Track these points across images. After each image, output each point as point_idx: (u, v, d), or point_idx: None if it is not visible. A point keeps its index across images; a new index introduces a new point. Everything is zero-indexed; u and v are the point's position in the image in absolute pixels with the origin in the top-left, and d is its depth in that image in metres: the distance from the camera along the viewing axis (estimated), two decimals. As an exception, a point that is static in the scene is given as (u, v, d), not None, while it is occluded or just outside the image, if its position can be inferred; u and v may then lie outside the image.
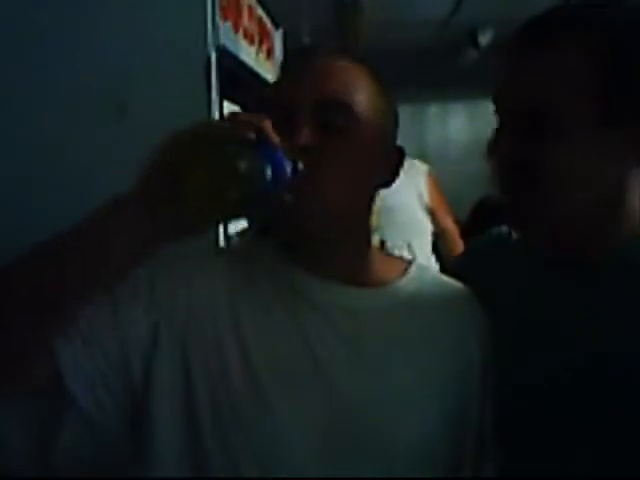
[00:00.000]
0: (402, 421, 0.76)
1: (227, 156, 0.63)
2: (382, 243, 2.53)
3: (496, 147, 0.80)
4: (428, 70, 4.95)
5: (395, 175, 0.83)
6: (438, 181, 2.74)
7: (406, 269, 0.86)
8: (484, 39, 4.69)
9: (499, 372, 0.83)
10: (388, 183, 0.83)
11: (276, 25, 2.19)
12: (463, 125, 6.15)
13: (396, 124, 0.84)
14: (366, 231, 0.84)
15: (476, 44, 4.77)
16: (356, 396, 0.74)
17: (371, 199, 0.82)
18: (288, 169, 0.69)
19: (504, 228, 0.95)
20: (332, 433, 0.73)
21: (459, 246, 2.55)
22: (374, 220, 1.29)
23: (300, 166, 0.71)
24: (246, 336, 0.74)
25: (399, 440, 0.75)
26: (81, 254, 0.66)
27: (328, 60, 0.79)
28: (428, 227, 2.67)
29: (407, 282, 0.84)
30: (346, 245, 0.80)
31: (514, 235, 0.92)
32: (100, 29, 1.38)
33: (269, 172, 0.66)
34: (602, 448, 0.75)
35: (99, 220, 0.67)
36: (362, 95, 0.77)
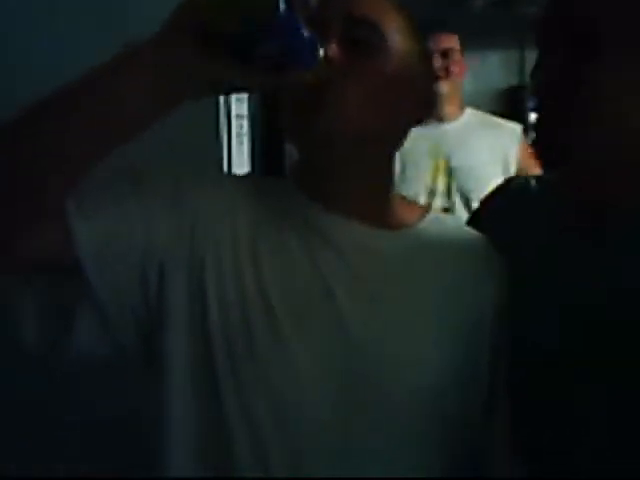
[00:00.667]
0: (409, 365, 0.78)
1: None
2: (446, 210, 2.25)
3: (539, 71, 0.77)
4: (430, 21, 4.87)
5: (425, 112, 0.84)
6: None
7: (424, 213, 0.89)
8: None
9: (514, 328, 0.82)
10: (417, 120, 0.84)
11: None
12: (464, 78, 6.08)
13: (430, 67, 0.88)
14: (388, 169, 0.85)
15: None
16: (367, 334, 0.77)
17: (397, 134, 0.83)
18: (306, 39, 0.69)
19: (522, 178, 0.95)
20: (342, 369, 0.75)
21: None
22: (439, 183, 1.32)
23: (321, 53, 0.72)
24: (263, 268, 0.77)
25: (405, 385, 0.77)
26: (93, 99, 0.66)
27: None
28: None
29: (425, 226, 0.87)
30: (365, 179, 0.82)
31: (533, 185, 0.91)
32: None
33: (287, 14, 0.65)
34: (617, 409, 0.73)
35: (114, 66, 0.67)
36: (393, 20, 0.80)
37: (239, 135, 1.63)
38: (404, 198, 0.92)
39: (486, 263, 0.87)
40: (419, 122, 0.85)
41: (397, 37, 0.80)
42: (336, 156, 0.79)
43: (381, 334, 0.77)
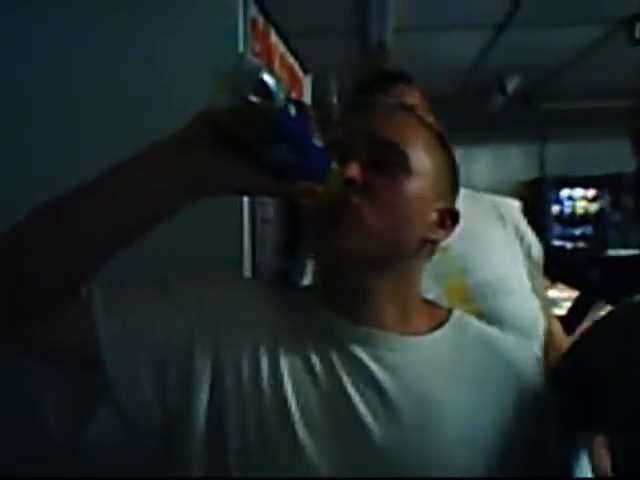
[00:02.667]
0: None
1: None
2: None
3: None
4: (455, 116, 5.01)
5: (444, 235, 0.84)
6: None
7: (448, 316, 0.86)
8: (511, 85, 4.73)
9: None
10: (436, 242, 0.84)
11: (304, 70, 2.23)
12: (487, 169, 6.16)
13: (453, 186, 0.86)
14: (410, 282, 0.84)
15: (503, 90, 4.82)
16: (391, 453, 0.74)
17: (418, 250, 0.82)
18: (318, 151, 0.71)
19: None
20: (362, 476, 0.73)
21: (562, 339, 1.53)
22: (462, 297, 1.18)
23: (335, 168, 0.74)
24: (283, 378, 0.76)
25: None
26: (113, 195, 0.68)
27: (392, 105, 0.86)
28: (540, 321, 1.41)
29: (449, 330, 0.84)
30: (386, 292, 0.81)
31: None
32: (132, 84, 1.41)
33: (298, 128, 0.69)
34: None
35: (134, 163, 0.69)
36: (417, 144, 0.81)
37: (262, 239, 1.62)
38: (427, 302, 0.90)
39: (522, 367, 0.85)
40: (438, 241, 0.84)
41: (421, 162, 0.80)
42: (353, 271, 0.79)
43: (404, 453, 0.75)
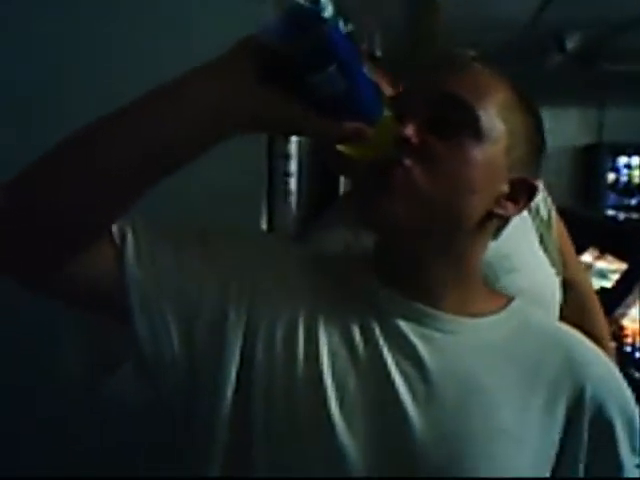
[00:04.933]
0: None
1: None
2: None
3: None
4: (509, 74, 4.81)
5: (516, 210, 0.75)
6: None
7: (508, 303, 0.79)
8: (571, 43, 4.50)
9: None
10: (506, 217, 0.76)
11: (345, 21, 2.12)
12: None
13: (535, 154, 0.77)
14: (468, 258, 0.76)
15: (562, 48, 4.60)
16: (428, 439, 0.68)
17: (481, 225, 0.74)
18: (370, 83, 0.63)
19: None
20: (397, 470, 0.68)
21: (594, 305, 1.52)
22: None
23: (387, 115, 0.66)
24: (320, 350, 0.71)
25: None
26: (147, 124, 0.63)
27: (465, 62, 0.76)
28: (556, 293, 1.37)
29: (507, 317, 0.77)
30: (439, 266, 0.74)
31: None
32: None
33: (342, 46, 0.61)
34: None
35: (170, 90, 0.64)
36: (491, 103, 0.71)
37: (285, 174, 1.56)
38: (490, 289, 0.83)
39: (580, 363, 0.76)
40: (509, 217, 0.76)
41: (495, 119, 0.71)
42: (404, 242, 0.73)
43: (441, 440, 0.68)
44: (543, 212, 1.37)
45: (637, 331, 2.34)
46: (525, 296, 1.13)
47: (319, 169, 1.86)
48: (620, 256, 2.87)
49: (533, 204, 1.33)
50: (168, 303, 0.70)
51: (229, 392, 0.71)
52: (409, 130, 0.69)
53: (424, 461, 0.67)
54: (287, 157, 1.49)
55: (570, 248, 1.53)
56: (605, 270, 2.93)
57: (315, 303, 0.74)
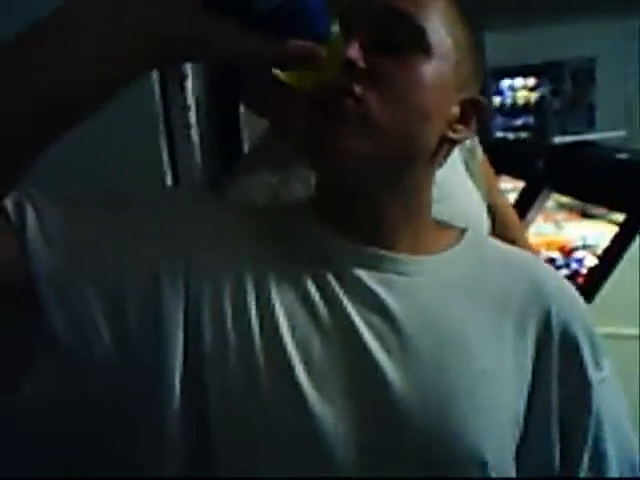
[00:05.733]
0: (454, 434, 0.64)
1: None
2: None
3: None
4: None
5: (467, 133, 0.70)
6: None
7: (461, 235, 0.75)
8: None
9: None
10: (458, 140, 0.70)
11: None
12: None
13: (478, 71, 0.71)
14: (420, 191, 0.71)
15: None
16: (409, 391, 0.63)
17: (434, 152, 0.69)
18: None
19: None
20: (380, 434, 0.62)
21: (514, 224, 1.61)
22: None
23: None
24: (276, 316, 0.63)
25: (449, 455, 0.63)
26: (34, 67, 0.51)
27: None
28: (485, 218, 1.46)
29: (464, 249, 0.73)
30: (394, 204, 0.68)
31: None
32: None
33: None
34: None
35: (58, 21, 0.51)
36: (437, 16, 0.65)
37: (185, 127, 1.48)
38: (439, 222, 0.77)
39: (531, 286, 0.72)
40: (461, 139, 0.70)
41: (442, 33, 0.65)
42: (357, 179, 0.65)
43: (420, 393, 0.63)
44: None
45: (537, 246, 2.46)
46: (457, 223, 1.27)
47: (220, 118, 1.79)
48: (516, 175, 2.99)
49: None
50: (88, 287, 0.60)
51: (176, 377, 0.62)
52: (354, 52, 0.61)
53: (408, 419, 0.62)
54: (185, 108, 1.42)
55: (492, 175, 1.56)
56: (503, 190, 3.04)
57: (260, 262, 0.66)
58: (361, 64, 0.62)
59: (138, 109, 1.24)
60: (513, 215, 1.59)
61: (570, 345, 0.70)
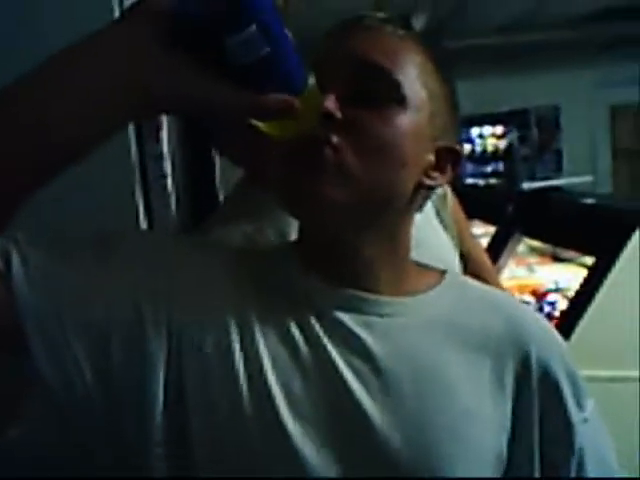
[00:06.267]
0: (434, 472, 0.64)
1: None
2: None
3: None
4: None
5: (443, 180, 0.71)
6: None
7: (441, 276, 0.75)
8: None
9: None
10: (434, 186, 0.71)
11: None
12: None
13: (454, 120, 0.73)
14: (399, 235, 0.72)
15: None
16: (390, 431, 0.64)
17: (411, 199, 0.70)
18: (292, 47, 0.56)
19: None
20: (357, 473, 0.63)
21: (487, 269, 1.61)
22: None
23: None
24: (259, 356, 0.64)
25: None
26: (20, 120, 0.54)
27: (376, 26, 0.69)
28: (457, 266, 1.45)
29: (444, 290, 0.73)
30: (372, 248, 0.69)
31: None
32: None
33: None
34: None
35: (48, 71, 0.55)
36: (411, 69, 0.67)
37: (161, 177, 1.49)
38: (419, 264, 0.78)
39: (508, 326, 0.72)
40: (437, 185, 0.71)
41: (416, 85, 0.67)
42: (334, 226, 0.67)
43: (404, 436, 0.64)
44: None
45: (510, 289, 2.49)
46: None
47: (193, 168, 1.80)
48: (487, 220, 3.04)
49: None
50: (72, 328, 0.61)
51: (157, 415, 0.63)
52: (330, 103, 0.63)
53: (389, 458, 0.63)
54: (160, 157, 1.43)
55: (464, 220, 1.56)
56: (475, 235, 3.08)
57: (243, 303, 0.67)
58: (338, 115, 0.63)
59: (115, 161, 1.25)
60: (486, 259, 1.61)
61: (550, 385, 0.70)
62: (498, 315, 0.73)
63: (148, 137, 1.37)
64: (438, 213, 1.33)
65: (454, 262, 1.28)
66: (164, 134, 1.44)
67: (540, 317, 0.79)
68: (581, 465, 0.70)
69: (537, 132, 6.78)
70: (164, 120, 1.47)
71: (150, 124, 1.37)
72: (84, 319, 0.61)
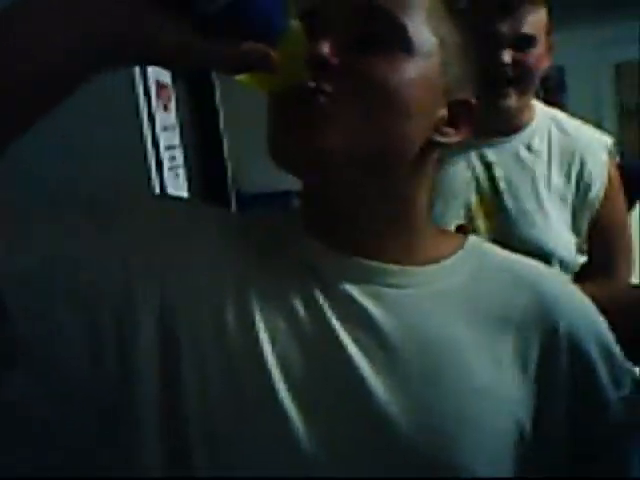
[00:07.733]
0: (441, 450, 0.60)
1: None
2: None
3: None
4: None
5: (457, 137, 0.65)
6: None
7: (463, 242, 0.70)
8: None
9: None
10: (447, 143, 0.65)
11: None
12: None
13: (469, 69, 0.66)
14: (411, 197, 0.66)
15: None
16: (396, 414, 0.59)
17: (421, 156, 0.64)
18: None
19: None
20: (360, 451, 0.59)
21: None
22: (488, 210, 1.21)
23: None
24: (257, 331, 0.60)
25: (436, 470, 0.60)
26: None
27: None
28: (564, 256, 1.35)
29: (463, 259, 0.67)
30: (379, 209, 0.64)
31: None
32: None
33: None
34: None
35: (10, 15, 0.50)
36: (416, 10, 0.61)
37: (172, 168, 1.48)
38: (440, 229, 0.73)
39: (534, 299, 0.66)
40: (450, 143, 0.65)
41: (425, 30, 0.61)
42: (338, 182, 0.61)
43: (410, 414, 0.60)
44: (592, 194, 1.37)
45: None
46: (537, 250, 1.26)
47: (202, 139, 1.82)
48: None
49: (584, 182, 1.35)
50: (58, 295, 0.57)
51: (152, 388, 0.60)
52: (324, 48, 0.57)
53: (394, 435, 0.59)
54: (167, 129, 1.46)
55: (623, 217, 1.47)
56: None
57: (243, 272, 0.63)
58: (333, 61, 0.58)
59: (124, 132, 1.28)
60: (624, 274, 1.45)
61: (582, 362, 0.65)
62: (523, 286, 0.66)
63: (157, 109, 1.39)
64: (575, 217, 1.34)
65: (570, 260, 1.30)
66: (172, 105, 1.47)
67: (574, 289, 0.71)
68: (619, 444, 0.67)
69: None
70: (172, 92, 1.49)
71: (161, 97, 1.39)
72: (72, 286, 0.58)
